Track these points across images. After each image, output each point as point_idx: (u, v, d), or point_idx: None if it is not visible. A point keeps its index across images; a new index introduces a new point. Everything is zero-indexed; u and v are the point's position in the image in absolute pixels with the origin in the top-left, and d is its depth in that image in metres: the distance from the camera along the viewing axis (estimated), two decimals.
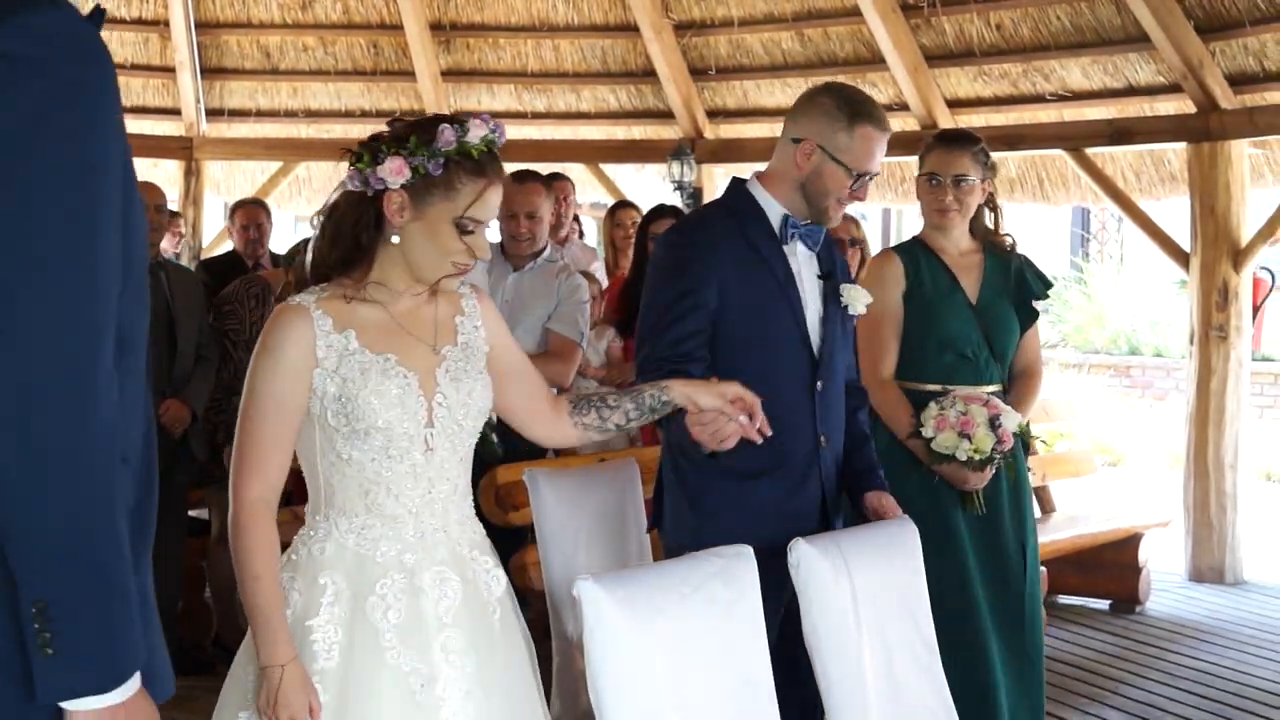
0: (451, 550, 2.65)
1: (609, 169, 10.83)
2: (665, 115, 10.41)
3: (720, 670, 2.74)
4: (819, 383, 3.53)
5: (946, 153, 4.24)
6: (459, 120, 2.57)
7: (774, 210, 3.55)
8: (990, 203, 4.39)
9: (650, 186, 10.92)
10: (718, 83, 10.23)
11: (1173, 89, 8.20)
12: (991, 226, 4.38)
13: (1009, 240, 4.39)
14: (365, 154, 2.59)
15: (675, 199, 10.08)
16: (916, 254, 4.27)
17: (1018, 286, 4.33)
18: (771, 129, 10.05)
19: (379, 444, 2.58)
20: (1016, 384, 4.39)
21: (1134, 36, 8.25)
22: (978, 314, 4.23)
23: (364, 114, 10.72)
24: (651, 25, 9.87)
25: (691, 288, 3.43)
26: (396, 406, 2.57)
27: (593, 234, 13.70)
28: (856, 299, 3.62)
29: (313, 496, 2.65)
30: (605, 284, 6.71)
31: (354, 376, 2.56)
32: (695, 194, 10.28)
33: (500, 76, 10.59)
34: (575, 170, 10.17)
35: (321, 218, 2.68)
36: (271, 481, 2.57)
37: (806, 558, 3.02)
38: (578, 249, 7.52)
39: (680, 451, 3.46)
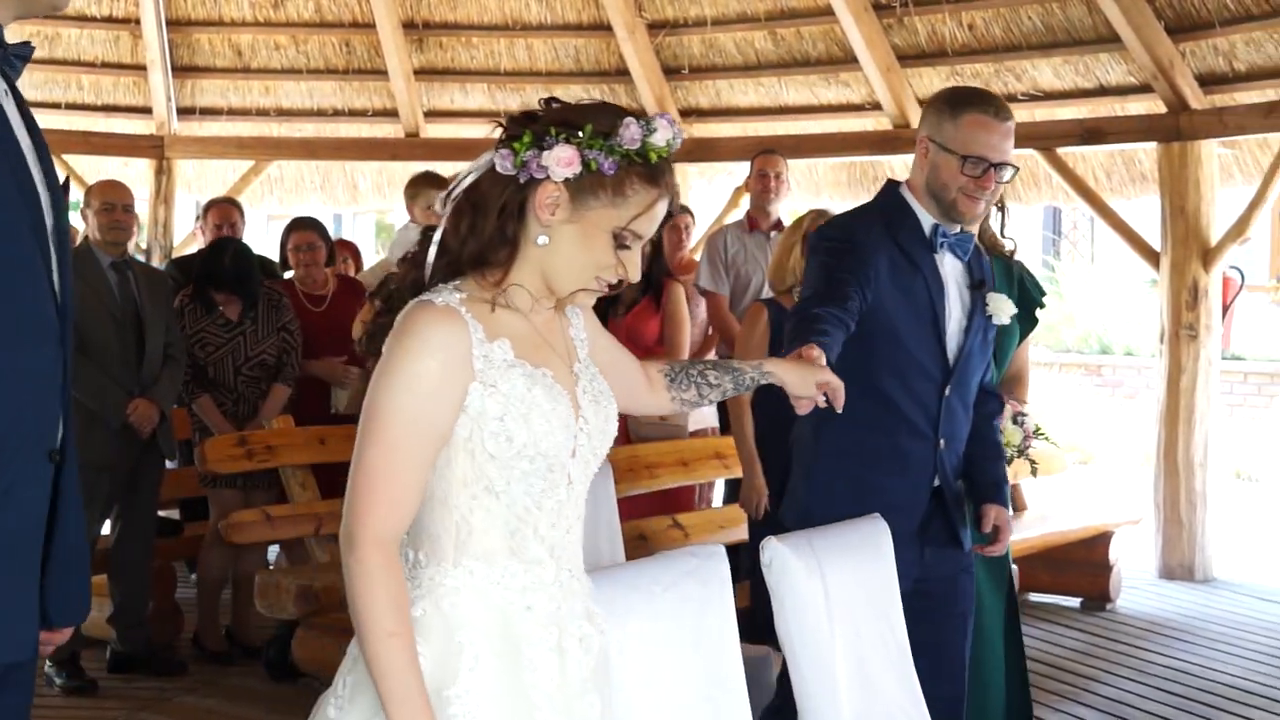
0: (584, 601, 2.33)
1: None
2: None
3: (692, 669, 2.74)
4: (948, 388, 3.60)
5: None
6: (644, 116, 2.24)
7: (925, 219, 3.60)
8: (1000, 204, 4.41)
9: None
10: (691, 82, 10.23)
11: (1143, 89, 8.25)
12: (998, 230, 4.40)
13: (1010, 245, 4.41)
14: (527, 133, 2.22)
15: None
16: None
17: (1020, 293, 4.34)
18: (745, 128, 10.09)
19: (538, 474, 2.21)
20: (1006, 389, 4.41)
21: (1105, 37, 8.30)
22: None
23: (336, 113, 10.69)
24: (625, 24, 9.86)
25: (857, 260, 3.49)
26: (561, 430, 2.22)
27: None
28: (1001, 309, 3.67)
29: (435, 539, 2.21)
30: None
31: (518, 393, 2.18)
32: None
33: (473, 76, 10.57)
34: None
35: (453, 198, 2.27)
36: (405, 520, 2.16)
37: (779, 556, 3.02)
38: None
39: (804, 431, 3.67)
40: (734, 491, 5.60)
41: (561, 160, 2.18)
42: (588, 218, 2.22)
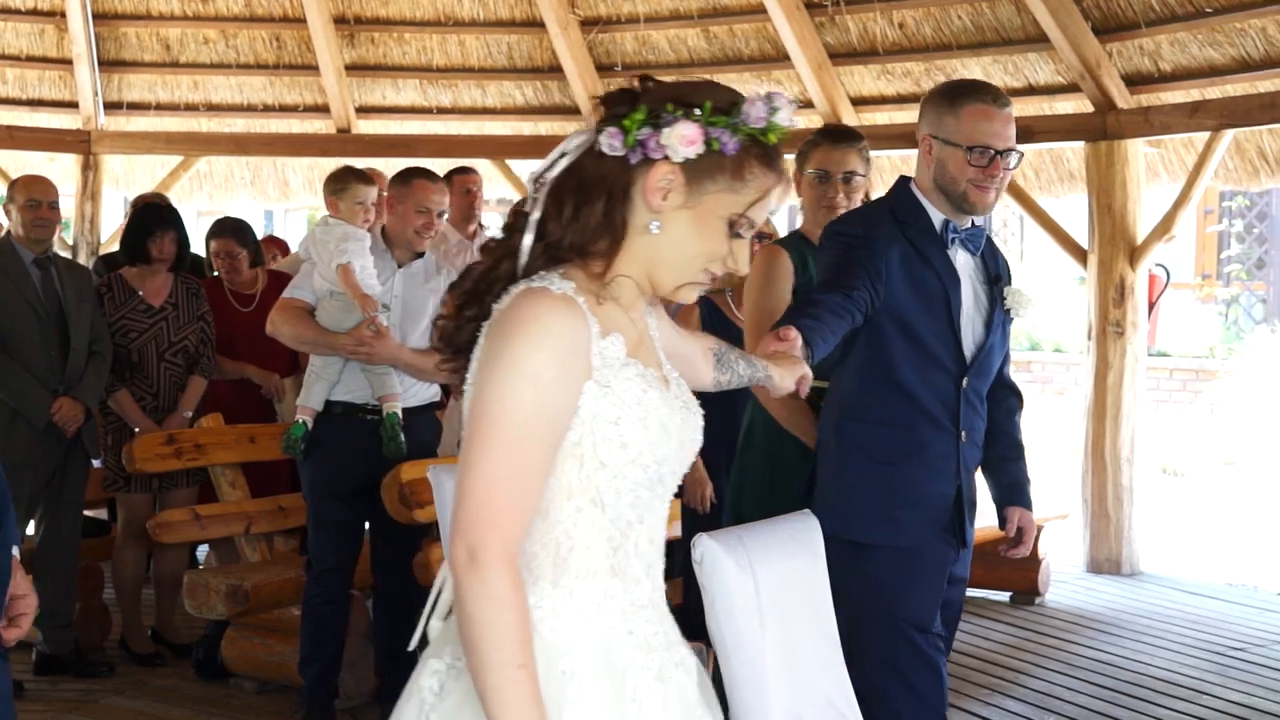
0: (674, 622, 2.17)
1: (515, 165, 10.78)
2: (572, 111, 10.38)
3: None
4: (965, 379, 3.59)
5: (835, 149, 4.26)
6: (765, 95, 2.06)
7: (935, 215, 3.60)
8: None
9: None
10: (624, 79, 10.21)
11: (1071, 89, 8.34)
12: None
13: None
14: (640, 109, 2.01)
15: None
16: (802, 249, 4.25)
17: None
18: None
19: (647, 485, 2.03)
20: None
21: (1033, 37, 8.38)
22: None
23: (266, 108, 10.61)
24: (558, 21, 9.85)
25: (868, 253, 3.48)
26: (676, 437, 2.06)
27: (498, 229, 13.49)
28: (1019, 302, 3.65)
29: (532, 557, 2.01)
30: None
31: (633, 395, 1.99)
32: None
33: (405, 71, 10.51)
34: (481, 166, 10.11)
35: (547, 179, 2.06)
36: (526, 533, 1.95)
37: (711, 553, 3.02)
38: None
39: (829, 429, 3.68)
40: None
41: (685, 138, 1.98)
42: (704, 203, 2.03)
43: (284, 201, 11.78)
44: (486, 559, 1.87)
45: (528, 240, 2.04)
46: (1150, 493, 8.59)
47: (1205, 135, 7.78)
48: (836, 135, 4.39)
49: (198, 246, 7.06)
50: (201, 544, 6.58)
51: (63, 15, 10.05)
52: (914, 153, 9.97)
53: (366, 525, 5.12)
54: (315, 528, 5.05)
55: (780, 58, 9.44)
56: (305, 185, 11.02)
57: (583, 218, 2.02)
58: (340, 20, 10.22)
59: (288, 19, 10.28)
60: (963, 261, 3.62)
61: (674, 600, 3.00)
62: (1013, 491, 3.78)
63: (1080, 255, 8.28)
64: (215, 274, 6.77)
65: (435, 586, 2.13)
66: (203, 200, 11.43)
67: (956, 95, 3.55)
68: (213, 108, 10.64)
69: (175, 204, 8.09)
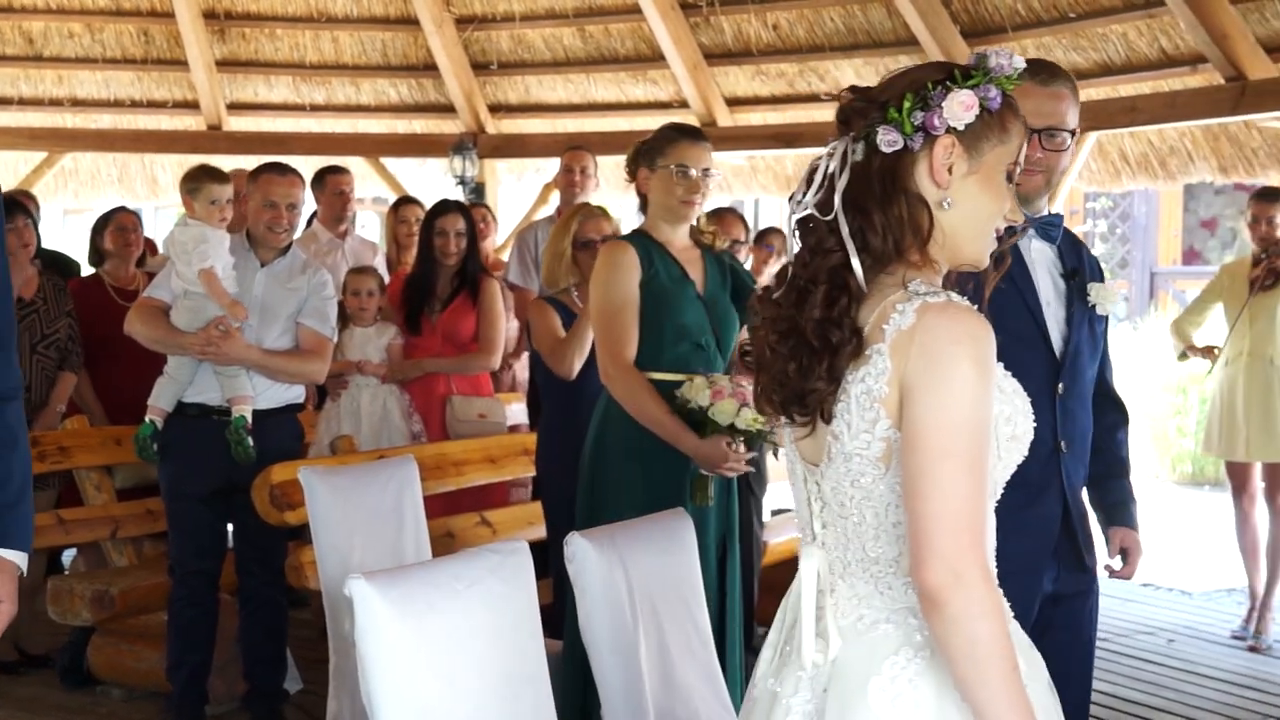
0: None
1: (390, 163, 10.71)
2: (447, 109, 10.34)
3: (496, 667, 2.72)
4: (1060, 384, 3.27)
5: (695, 146, 4.23)
6: (995, 50, 2.11)
7: None
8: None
9: (432, 181, 10.84)
10: (500, 77, 10.21)
11: None
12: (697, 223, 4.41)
13: (711, 237, 4.43)
14: (907, 100, 2.07)
15: (457, 194, 10.03)
16: (648, 245, 4.24)
17: (734, 282, 4.38)
18: (553, 125, 10.10)
19: (1013, 466, 2.15)
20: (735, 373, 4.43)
21: (904, 39, 8.52)
22: (706, 305, 4.26)
23: (134, 104, 10.41)
24: (433, 19, 9.80)
25: None
26: (1030, 421, 2.16)
27: (375, 228, 13.47)
28: (1106, 298, 3.35)
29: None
30: (387, 279, 6.63)
31: (1008, 389, 2.12)
32: (478, 189, 10.25)
33: (278, 68, 10.38)
34: (356, 164, 10.03)
35: (808, 203, 2.11)
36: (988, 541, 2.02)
37: (582, 551, 3.03)
38: (358, 243, 7.42)
39: None
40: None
41: (964, 105, 2.06)
42: (985, 163, 2.10)
43: (153, 199, 11.55)
44: (973, 575, 1.93)
45: (856, 262, 2.07)
46: None
47: None
48: (693, 132, 4.35)
49: (66, 245, 6.91)
50: (68, 549, 6.42)
51: None
52: (788, 152, 10.11)
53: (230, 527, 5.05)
54: (175, 531, 4.97)
55: (655, 58, 9.48)
56: (175, 183, 10.75)
57: (894, 219, 2.07)
58: (210, 15, 10.06)
59: (155, 13, 10.09)
60: (1038, 252, 3.32)
61: (544, 600, 3.01)
62: (1116, 511, 3.47)
63: None
64: (90, 271, 6.64)
65: (802, 609, 2.11)
66: (68, 198, 11.17)
67: None
68: (78, 103, 10.40)
69: (40, 201, 7.91)
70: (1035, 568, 3.20)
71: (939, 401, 1.96)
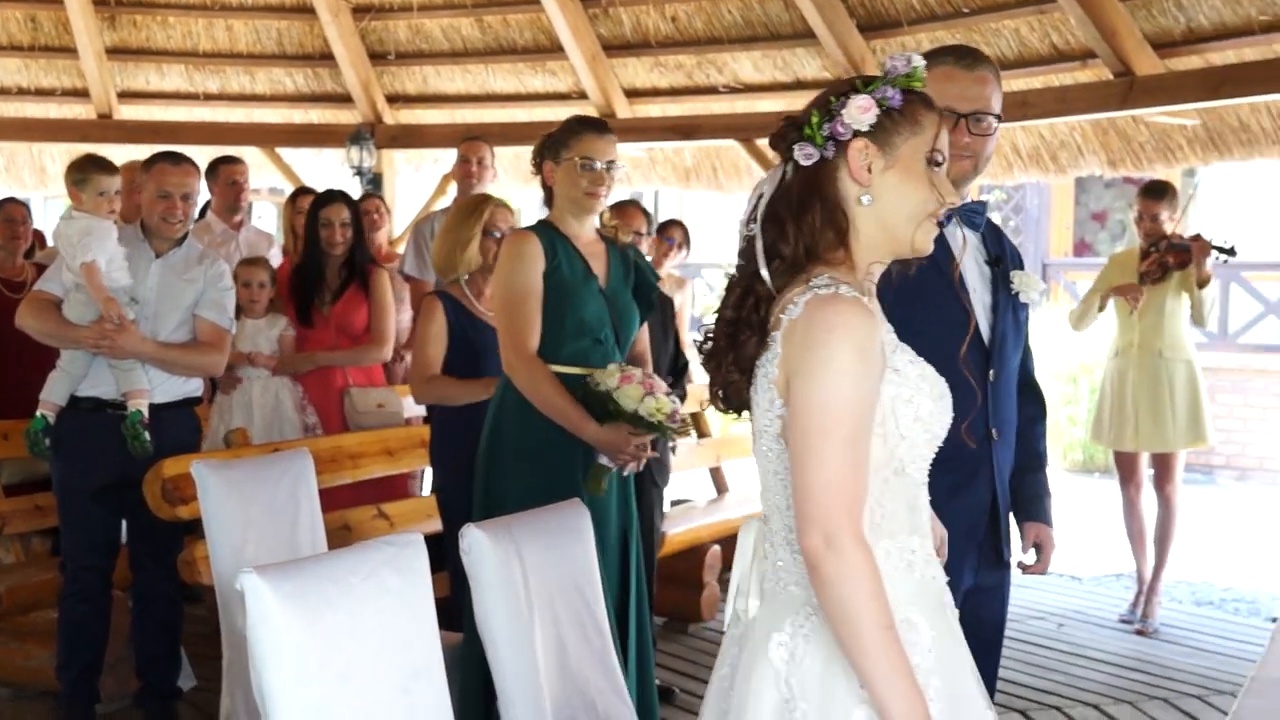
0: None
1: (286, 153, 10.58)
2: (344, 99, 10.24)
3: (391, 661, 2.70)
4: (991, 372, 3.27)
5: (600, 139, 4.23)
6: (897, 55, 2.35)
7: None
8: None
9: (329, 171, 10.73)
10: (397, 68, 10.13)
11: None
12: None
13: (614, 231, 4.45)
14: (815, 114, 2.30)
15: (354, 184, 9.94)
16: (552, 236, 4.23)
17: (636, 277, 4.39)
18: (451, 115, 10.04)
19: (929, 448, 2.32)
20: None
21: (801, 33, 8.58)
22: (607, 300, 4.26)
23: (21, 92, 10.19)
24: (329, 7, 9.70)
25: None
26: (947, 404, 2.34)
27: (272, 219, 13.29)
28: (1029, 285, 3.36)
29: None
30: None
31: (912, 373, 2.28)
32: (375, 179, 10.17)
33: (170, 56, 10.22)
34: (251, 154, 9.90)
35: (759, 217, 2.33)
36: (863, 511, 2.19)
37: (478, 543, 3.02)
38: (254, 234, 7.33)
39: None
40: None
41: (860, 108, 2.27)
42: (901, 156, 2.29)
43: (42, 189, 11.32)
44: (844, 540, 2.12)
45: (764, 270, 2.31)
46: None
47: None
48: (598, 125, 4.35)
49: None
50: None
51: None
52: (686, 144, 10.16)
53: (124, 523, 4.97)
54: (67, 526, 4.89)
55: (554, 49, 9.47)
56: (64, 173, 10.59)
57: (806, 225, 2.29)
58: (100, 1, 9.86)
59: None
60: (961, 240, 3.30)
61: (439, 594, 3.00)
62: (1032, 505, 3.44)
63: None
64: None
65: (737, 572, 2.37)
66: None
67: (926, 59, 3.22)
68: None
69: None
70: (962, 555, 3.18)
71: (817, 384, 2.16)
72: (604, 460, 4.14)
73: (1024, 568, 3.48)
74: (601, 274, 4.28)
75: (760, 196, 2.37)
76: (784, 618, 2.26)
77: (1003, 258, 3.39)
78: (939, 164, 2.33)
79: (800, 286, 2.26)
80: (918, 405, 2.27)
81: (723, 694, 2.39)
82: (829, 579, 2.12)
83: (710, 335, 2.42)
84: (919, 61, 2.34)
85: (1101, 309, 6.93)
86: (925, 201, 2.31)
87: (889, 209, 2.30)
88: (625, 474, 4.23)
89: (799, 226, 2.29)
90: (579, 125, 4.30)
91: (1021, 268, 3.43)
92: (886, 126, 2.28)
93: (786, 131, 2.35)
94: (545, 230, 4.25)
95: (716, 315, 2.43)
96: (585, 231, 4.30)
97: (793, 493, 2.19)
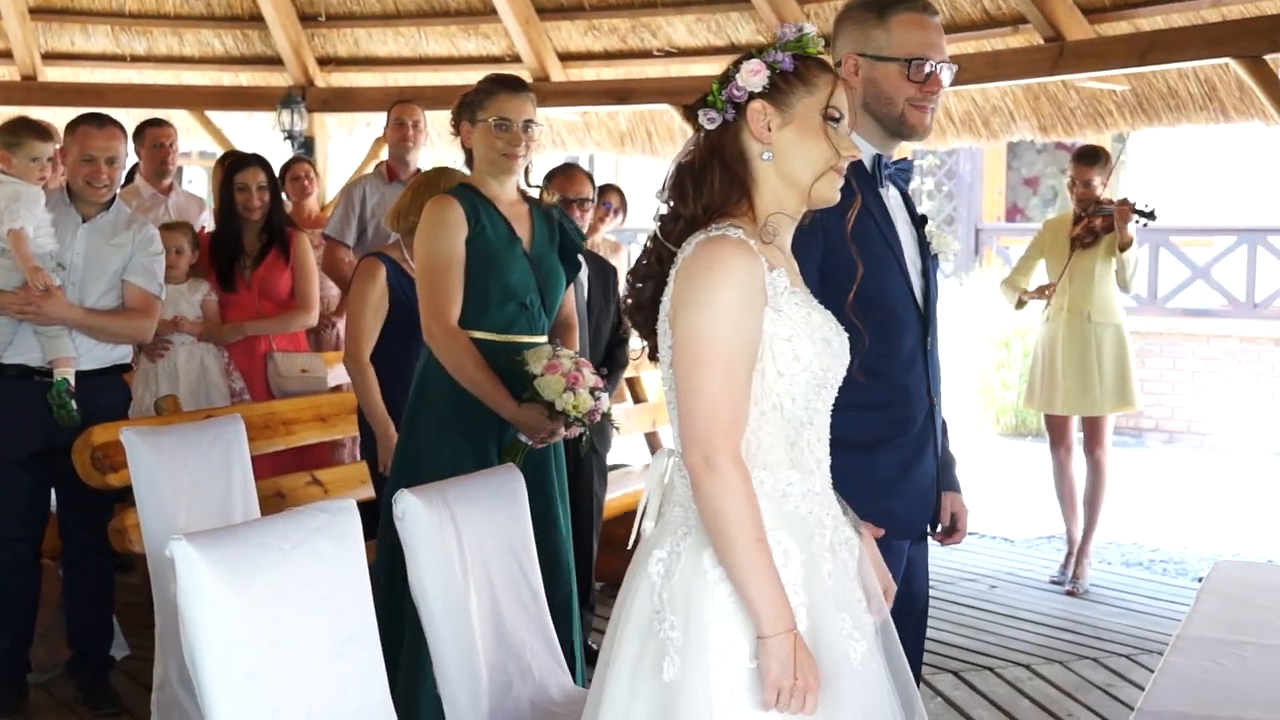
0: (839, 508, 2.55)
1: (216, 117, 10.45)
2: (274, 62, 10.12)
3: (324, 627, 2.69)
4: (928, 339, 3.17)
5: (514, 97, 4.14)
6: (790, 24, 2.54)
7: (865, 151, 3.11)
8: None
9: (260, 135, 10.60)
10: (329, 30, 10.01)
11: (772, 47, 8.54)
12: (521, 179, 4.33)
13: (540, 190, 4.39)
14: (714, 84, 2.48)
15: (286, 148, 9.83)
16: (474, 200, 4.15)
17: (561, 238, 4.35)
18: (384, 78, 9.96)
19: (814, 390, 2.44)
20: (559, 337, 4.40)
21: None
22: (532, 264, 4.20)
23: None
24: None
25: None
26: (834, 350, 2.47)
27: (203, 184, 13.13)
28: (945, 245, 3.28)
29: None
30: None
31: (800, 315, 2.41)
32: (307, 143, 10.06)
33: (95, 16, 10.04)
34: (180, 117, 9.76)
35: (668, 182, 2.53)
36: (742, 435, 2.37)
37: (411, 509, 3.01)
38: (183, 198, 7.24)
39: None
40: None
41: (751, 71, 2.44)
42: (797, 113, 2.45)
43: None
44: (720, 460, 2.31)
45: (657, 229, 2.52)
46: None
47: None
48: (513, 84, 4.23)
49: None
50: None
51: None
52: (621, 108, 10.09)
53: (52, 491, 4.91)
54: None
55: (487, 11, 9.39)
56: None
57: (706, 186, 2.46)
58: None
59: None
60: (895, 201, 3.21)
61: (372, 560, 2.98)
62: (944, 474, 3.28)
63: None
64: None
65: (643, 499, 2.53)
66: None
67: (884, 6, 3.12)
68: None
69: None
70: (915, 527, 3.17)
71: (695, 317, 2.35)
72: (522, 437, 4.11)
73: (942, 539, 3.38)
74: (526, 237, 4.21)
75: (680, 158, 2.54)
76: (665, 536, 2.44)
77: (926, 218, 3.30)
78: (836, 120, 2.48)
79: (699, 234, 2.44)
80: (796, 345, 2.40)
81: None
82: (706, 494, 2.32)
83: (628, 295, 2.60)
84: (810, 29, 2.50)
85: (1019, 307, 7.08)
86: (824, 155, 2.47)
87: (788, 163, 2.46)
88: (539, 447, 4.17)
89: (698, 189, 2.47)
90: (494, 85, 4.20)
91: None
92: (781, 87, 2.46)
93: (698, 103, 2.51)
94: (466, 194, 4.17)
95: (629, 275, 2.61)
96: (507, 193, 4.22)
97: (677, 416, 2.40)
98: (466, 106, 4.19)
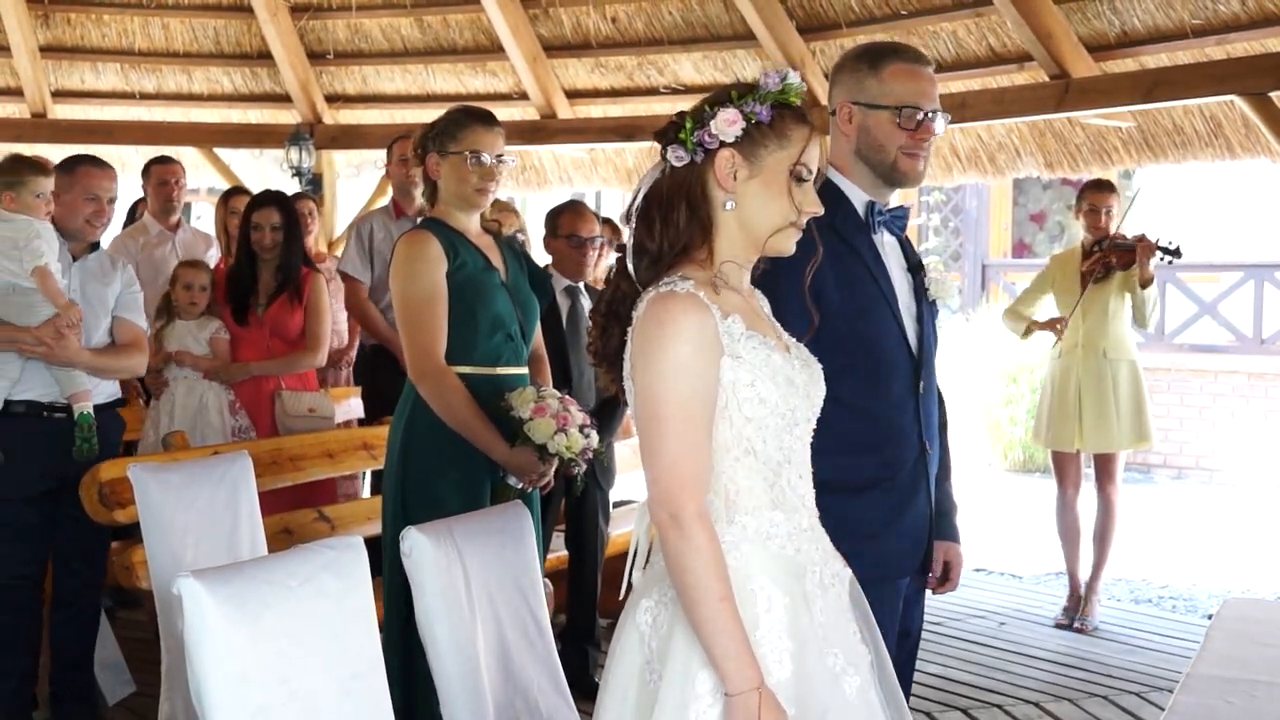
0: (827, 543, 2.55)
1: (224, 154, 10.50)
2: (282, 99, 10.17)
3: (331, 664, 2.69)
4: (921, 384, 3.19)
5: (489, 131, 4.11)
6: (775, 71, 2.48)
7: (858, 197, 3.21)
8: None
9: (268, 172, 10.65)
10: (336, 67, 10.07)
11: None
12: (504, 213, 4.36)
13: (497, 224, 4.37)
14: (688, 120, 2.45)
15: (293, 185, 9.87)
16: (448, 233, 4.10)
17: (530, 267, 4.34)
18: (391, 115, 10.00)
19: (785, 430, 2.44)
20: (532, 370, 4.35)
21: (741, 34, 8.61)
22: (510, 293, 4.17)
23: None
24: (266, 6, 9.62)
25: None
26: (800, 390, 2.46)
27: (210, 220, 13.12)
28: (945, 291, 3.31)
29: (708, 504, 2.40)
30: None
31: (760, 359, 2.40)
32: (315, 180, 10.10)
33: (105, 54, 10.11)
34: (189, 155, 9.82)
35: (638, 211, 2.49)
36: (707, 490, 2.38)
37: (419, 545, 3.01)
38: (191, 235, 7.26)
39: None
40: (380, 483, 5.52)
41: (727, 120, 2.41)
42: (766, 167, 2.44)
43: None
44: (685, 518, 2.32)
45: (630, 265, 2.48)
46: None
47: None
48: (486, 117, 4.19)
49: None
50: None
51: None
52: (628, 145, 10.14)
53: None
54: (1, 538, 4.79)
55: (495, 49, 9.44)
56: None
57: (672, 224, 2.45)
58: None
59: None
60: (889, 246, 3.24)
61: (380, 597, 2.98)
62: (941, 522, 3.29)
63: None
64: None
65: (632, 548, 2.55)
66: None
67: (876, 56, 3.21)
68: None
69: None
70: (907, 569, 3.18)
71: (650, 375, 2.36)
72: (512, 480, 4.08)
73: (935, 588, 3.38)
74: (500, 267, 4.18)
75: (639, 190, 2.52)
76: (653, 585, 2.46)
77: (922, 264, 3.33)
78: (803, 179, 2.47)
79: (656, 285, 2.43)
80: (760, 389, 2.39)
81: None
82: (673, 552, 2.33)
83: (592, 341, 2.59)
84: (793, 79, 2.47)
85: (1025, 336, 7.08)
86: (783, 212, 2.46)
87: (749, 215, 2.46)
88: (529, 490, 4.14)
89: (664, 224, 2.46)
90: (466, 117, 4.15)
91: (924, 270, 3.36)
92: (754, 138, 2.44)
93: (667, 130, 2.49)
94: (439, 228, 4.11)
95: (591, 314, 2.60)
96: (473, 225, 4.18)
97: (644, 475, 2.40)
98: (436, 137, 4.12)
